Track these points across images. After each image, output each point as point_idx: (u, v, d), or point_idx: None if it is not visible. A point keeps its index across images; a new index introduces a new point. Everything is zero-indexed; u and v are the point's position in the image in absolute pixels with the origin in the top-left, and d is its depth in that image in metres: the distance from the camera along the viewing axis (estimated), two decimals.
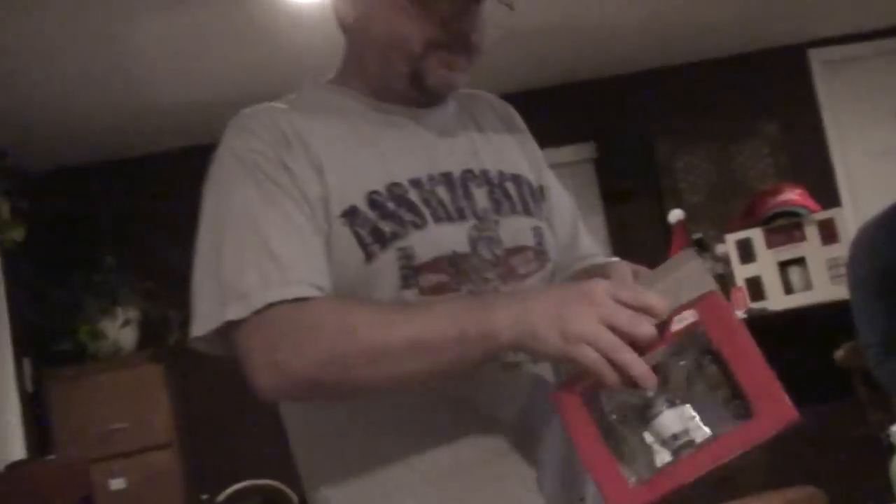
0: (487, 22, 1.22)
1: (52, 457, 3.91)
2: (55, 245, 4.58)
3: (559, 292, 1.01)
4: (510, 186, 1.26)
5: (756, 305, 3.59)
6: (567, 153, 4.96)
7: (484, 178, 1.24)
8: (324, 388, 1.07)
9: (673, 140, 5.17)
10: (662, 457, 0.96)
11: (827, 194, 4.76)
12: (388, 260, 1.13)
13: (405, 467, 1.15)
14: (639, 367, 0.93)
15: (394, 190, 1.16)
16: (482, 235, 1.19)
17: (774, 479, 2.84)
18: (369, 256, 1.13)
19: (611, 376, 0.93)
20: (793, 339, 3.34)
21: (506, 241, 1.21)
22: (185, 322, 1.23)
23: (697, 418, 0.96)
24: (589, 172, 5.12)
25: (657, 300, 0.97)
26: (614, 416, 0.99)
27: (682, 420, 0.96)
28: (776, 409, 0.93)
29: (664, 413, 0.96)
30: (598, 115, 5.09)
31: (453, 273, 1.15)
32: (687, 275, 1.05)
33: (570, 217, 1.39)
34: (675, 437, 0.96)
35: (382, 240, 1.13)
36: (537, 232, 1.26)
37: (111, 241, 4.66)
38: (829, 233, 3.66)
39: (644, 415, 0.98)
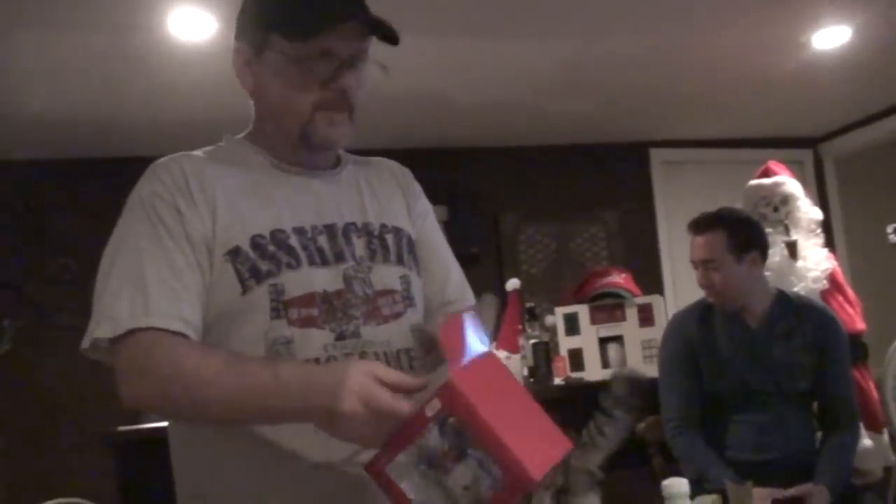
0: (364, 83, 1.41)
1: None
2: None
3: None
4: (389, 238, 1.46)
5: (575, 375, 3.79)
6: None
7: (365, 230, 1.43)
8: (163, 412, 1.29)
9: (518, 214, 5.40)
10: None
11: (651, 282, 5.05)
12: (260, 293, 1.31)
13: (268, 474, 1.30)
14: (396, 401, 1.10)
15: (277, 235, 1.34)
16: (357, 276, 1.38)
17: None
18: (245, 290, 1.31)
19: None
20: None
21: (376, 284, 1.40)
22: (20, 331, 1.41)
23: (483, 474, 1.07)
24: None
25: (411, 382, 1.12)
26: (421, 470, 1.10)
27: (473, 472, 1.07)
28: (513, 477, 1.05)
29: (456, 468, 1.08)
30: (453, 182, 5.23)
31: (323, 309, 1.33)
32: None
33: (443, 266, 1.56)
34: (466, 487, 1.07)
35: (258, 276, 1.31)
36: (405, 280, 1.44)
37: None
38: (646, 317, 3.84)
39: (440, 472, 1.09)
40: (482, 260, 5.13)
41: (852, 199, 5.94)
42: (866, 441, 3.16)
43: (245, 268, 1.31)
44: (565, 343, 3.88)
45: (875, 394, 3.48)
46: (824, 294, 3.46)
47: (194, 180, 1.35)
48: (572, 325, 3.87)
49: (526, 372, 3.78)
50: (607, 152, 5.61)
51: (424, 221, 1.57)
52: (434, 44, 3.95)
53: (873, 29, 4.17)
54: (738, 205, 3.55)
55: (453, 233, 5.65)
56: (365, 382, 1.11)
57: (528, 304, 4.04)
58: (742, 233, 2.92)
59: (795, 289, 3.22)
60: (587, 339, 3.86)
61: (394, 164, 1.60)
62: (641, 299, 3.90)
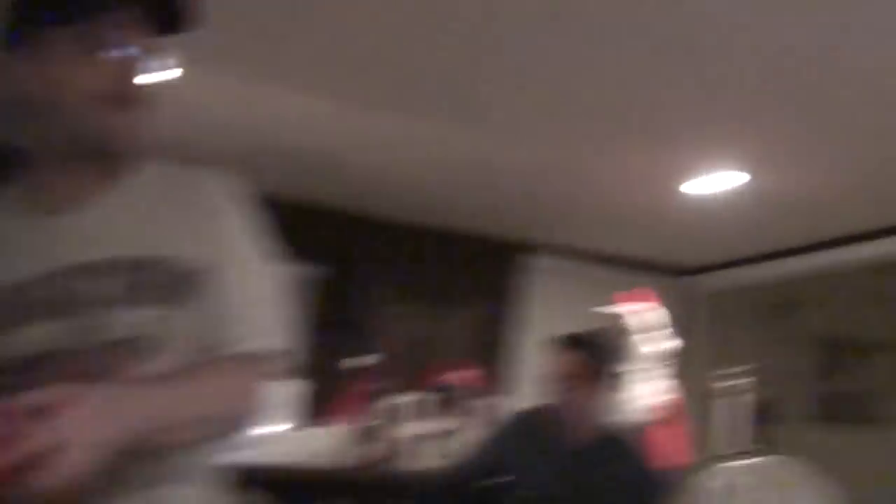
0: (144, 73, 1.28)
1: None
2: None
3: None
4: (145, 275, 1.25)
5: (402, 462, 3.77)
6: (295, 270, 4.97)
7: (110, 267, 1.25)
8: None
9: (391, 290, 5.35)
10: None
11: (502, 382, 5.06)
12: None
13: None
14: None
15: None
16: (84, 327, 1.22)
17: None
18: None
19: None
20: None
21: (109, 334, 1.22)
22: None
23: None
24: (309, 293, 5.02)
25: None
26: None
27: None
28: None
29: None
30: (335, 245, 5.21)
31: (18, 381, 1.14)
32: None
33: (232, 305, 1.29)
34: None
35: None
36: (160, 320, 1.24)
37: None
38: (488, 415, 3.91)
39: None
40: (346, 328, 5.09)
41: (717, 335, 6.11)
42: None
43: None
44: (401, 429, 3.87)
45: None
46: (651, 425, 3.54)
47: None
48: (413, 412, 3.88)
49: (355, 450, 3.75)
50: (491, 247, 5.65)
51: (217, 245, 1.31)
52: (331, 104, 3.86)
53: (764, 177, 4.24)
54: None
55: (331, 293, 5.46)
56: None
57: (379, 384, 4.03)
58: (602, 357, 3.04)
59: (618, 418, 3.29)
60: (424, 427, 3.87)
61: (199, 179, 1.36)
62: (486, 398, 3.94)
